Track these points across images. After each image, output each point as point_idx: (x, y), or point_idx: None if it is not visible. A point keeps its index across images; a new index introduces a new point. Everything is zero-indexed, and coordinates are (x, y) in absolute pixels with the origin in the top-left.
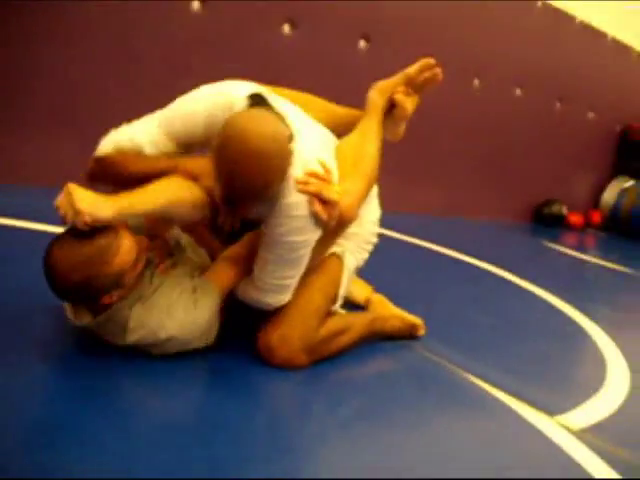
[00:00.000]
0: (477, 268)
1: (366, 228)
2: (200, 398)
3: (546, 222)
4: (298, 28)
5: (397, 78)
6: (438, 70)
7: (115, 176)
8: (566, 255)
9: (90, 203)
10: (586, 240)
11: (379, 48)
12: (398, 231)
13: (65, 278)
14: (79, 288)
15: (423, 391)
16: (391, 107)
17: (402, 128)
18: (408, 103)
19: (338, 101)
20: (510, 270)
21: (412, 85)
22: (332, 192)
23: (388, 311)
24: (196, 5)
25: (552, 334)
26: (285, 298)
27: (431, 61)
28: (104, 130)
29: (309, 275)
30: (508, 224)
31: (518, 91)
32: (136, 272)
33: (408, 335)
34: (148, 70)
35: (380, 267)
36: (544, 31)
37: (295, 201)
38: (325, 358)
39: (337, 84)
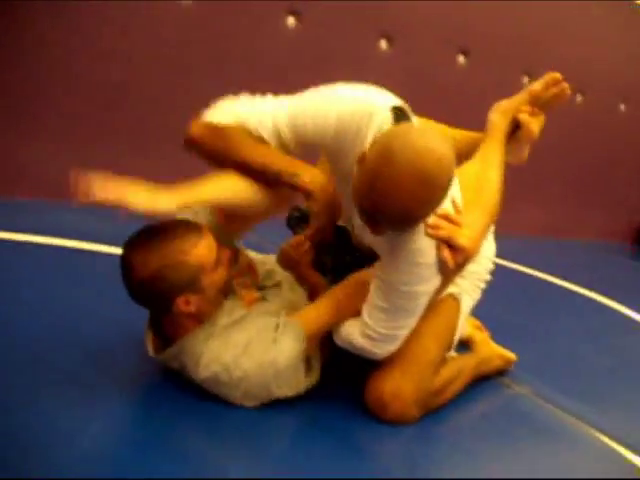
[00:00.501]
0: (582, 296)
1: (482, 265)
2: (290, 456)
3: None
4: (394, 44)
5: (520, 96)
6: (565, 85)
7: (221, 151)
8: None
9: (146, 199)
10: None
11: (477, 63)
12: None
13: (141, 266)
14: (154, 279)
15: (534, 437)
16: (515, 128)
17: (527, 151)
18: (534, 124)
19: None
20: (619, 300)
21: (537, 103)
22: (463, 237)
23: (491, 351)
24: (291, 21)
25: None
26: (393, 349)
27: (557, 76)
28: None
29: (424, 320)
30: (611, 245)
31: (622, 107)
32: (214, 282)
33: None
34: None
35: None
36: None
37: (423, 247)
38: (435, 409)
39: (434, 101)
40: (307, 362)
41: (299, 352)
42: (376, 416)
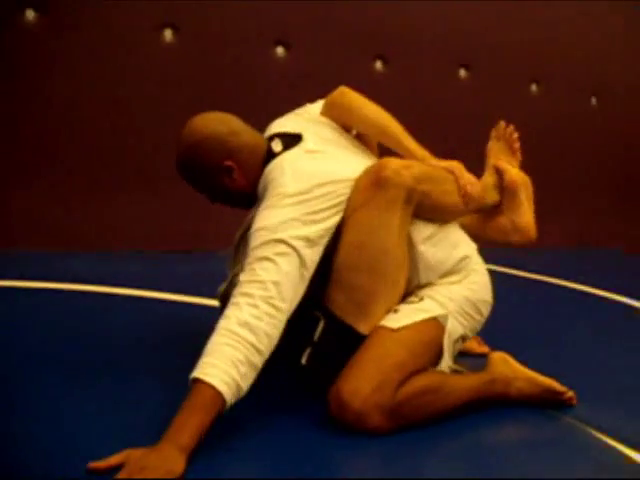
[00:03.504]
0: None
1: (479, 294)
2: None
3: None
4: (389, 63)
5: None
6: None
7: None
8: None
9: None
10: None
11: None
12: (528, 270)
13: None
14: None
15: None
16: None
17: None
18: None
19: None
20: None
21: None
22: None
23: (512, 371)
24: (280, 50)
25: None
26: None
27: (501, 126)
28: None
29: (393, 330)
30: None
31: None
32: None
33: (548, 403)
34: None
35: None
36: None
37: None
38: (412, 423)
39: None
40: None
41: None
42: (337, 420)
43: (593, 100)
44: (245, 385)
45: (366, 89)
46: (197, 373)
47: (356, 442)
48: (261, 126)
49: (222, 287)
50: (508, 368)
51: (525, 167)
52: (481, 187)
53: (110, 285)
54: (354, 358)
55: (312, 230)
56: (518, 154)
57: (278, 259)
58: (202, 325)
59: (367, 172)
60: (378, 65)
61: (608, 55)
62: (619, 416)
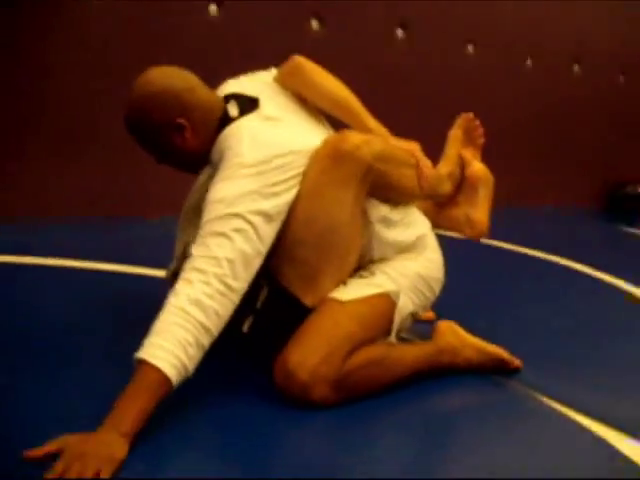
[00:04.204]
0: (547, 262)
1: (432, 272)
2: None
3: (621, 205)
4: (325, 24)
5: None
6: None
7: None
8: None
9: None
10: None
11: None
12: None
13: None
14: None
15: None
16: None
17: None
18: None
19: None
20: (584, 261)
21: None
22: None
23: (460, 340)
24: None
25: None
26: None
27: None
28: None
29: (343, 301)
30: (578, 210)
31: (576, 68)
32: None
33: (491, 369)
34: None
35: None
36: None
37: None
38: (358, 395)
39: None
40: None
41: None
42: (284, 390)
43: (529, 62)
44: (192, 367)
45: (303, 50)
46: (144, 354)
47: (303, 415)
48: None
49: (172, 265)
50: (455, 338)
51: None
52: (436, 175)
53: (33, 255)
54: (301, 329)
55: (271, 205)
56: (479, 148)
57: (234, 235)
58: (132, 295)
59: (325, 144)
60: (314, 25)
61: (542, 19)
62: (563, 381)
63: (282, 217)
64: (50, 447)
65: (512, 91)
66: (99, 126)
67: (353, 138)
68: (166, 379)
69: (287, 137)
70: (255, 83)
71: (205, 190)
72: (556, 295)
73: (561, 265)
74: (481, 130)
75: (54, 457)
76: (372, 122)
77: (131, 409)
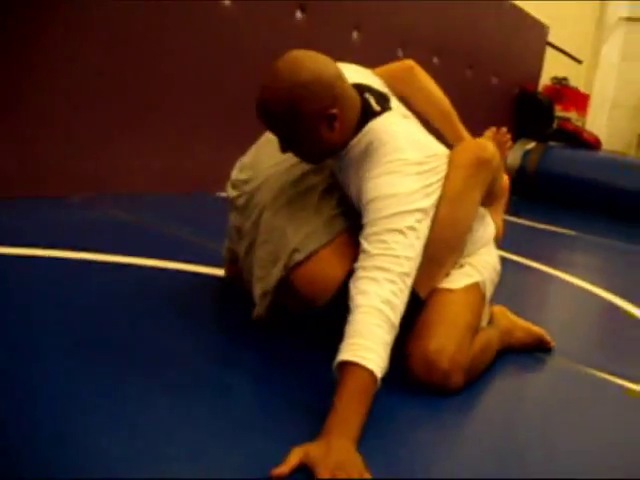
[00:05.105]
0: None
1: (498, 265)
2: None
3: None
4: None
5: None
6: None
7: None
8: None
9: None
10: None
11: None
12: None
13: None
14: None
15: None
16: None
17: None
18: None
19: None
20: None
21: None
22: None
23: (512, 323)
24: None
25: None
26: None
27: (501, 131)
28: None
29: (453, 292)
30: None
31: (435, 59)
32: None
33: (535, 348)
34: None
35: None
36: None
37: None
38: (472, 381)
39: None
40: None
41: None
42: (422, 378)
43: (400, 52)
44: (387, 366)
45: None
46: (353, 357)
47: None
48: None
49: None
50: (509, 321)
51: None
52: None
53: None
54: (425, 319)
55: (430, 204)
56: (505, 154)
57: (409, 233)
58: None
59: (464, 150)
60: (227, 3)
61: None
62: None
63: (432, 215)
64: (293, 461)
65: None
66: None
67: (490, 147)
68: (376, 380)
69: (428, 139)
70: (362, 75)
71: (314, 175)
72: None
73: None
74: (509, 136)
75: None
76: (465, 133)
77: (354, 415)
